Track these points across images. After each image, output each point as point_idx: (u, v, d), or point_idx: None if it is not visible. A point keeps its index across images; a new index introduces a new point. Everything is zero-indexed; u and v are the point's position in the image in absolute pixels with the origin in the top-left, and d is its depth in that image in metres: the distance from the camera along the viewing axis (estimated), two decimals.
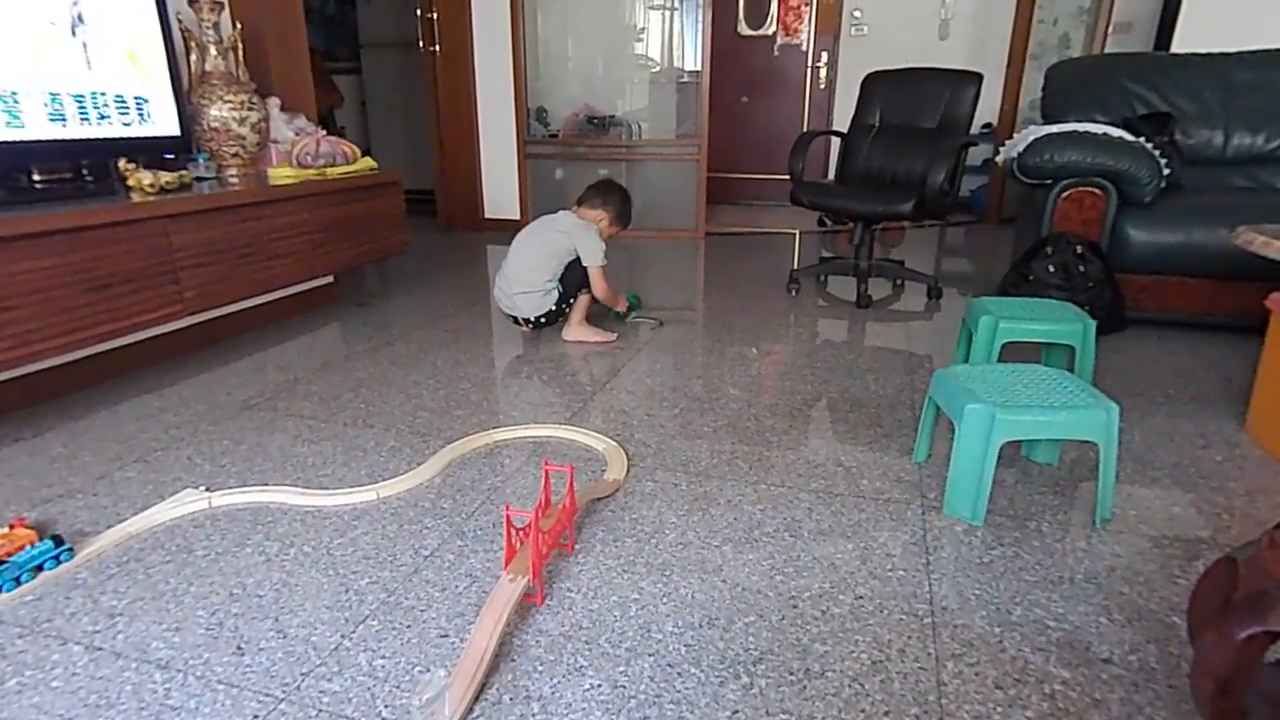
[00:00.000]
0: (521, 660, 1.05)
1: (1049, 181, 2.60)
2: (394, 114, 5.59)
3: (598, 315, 2.62)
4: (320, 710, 0.96)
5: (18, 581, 1.20)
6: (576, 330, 2.51)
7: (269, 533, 1.37)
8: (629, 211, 2.61)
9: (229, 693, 0.99)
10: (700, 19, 4.21)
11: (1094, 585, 1.23)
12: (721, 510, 1.46)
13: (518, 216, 4.54)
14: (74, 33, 1.99)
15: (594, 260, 2.44)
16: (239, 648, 1.08)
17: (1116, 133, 2.62)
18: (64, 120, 1.99)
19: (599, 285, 2.47)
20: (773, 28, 5.52)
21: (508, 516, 1.19)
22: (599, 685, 1.01)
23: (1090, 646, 1.09)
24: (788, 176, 3.13)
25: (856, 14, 5.27)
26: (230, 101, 2.46)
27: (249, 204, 2.28)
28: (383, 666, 1.04)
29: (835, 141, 3.89)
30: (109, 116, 2.11)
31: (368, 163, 2.87)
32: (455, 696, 0.95)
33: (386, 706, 0.97)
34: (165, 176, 2.15)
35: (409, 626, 1.12)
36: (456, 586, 1.22)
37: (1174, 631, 1.12)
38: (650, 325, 2.70)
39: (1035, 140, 2.60)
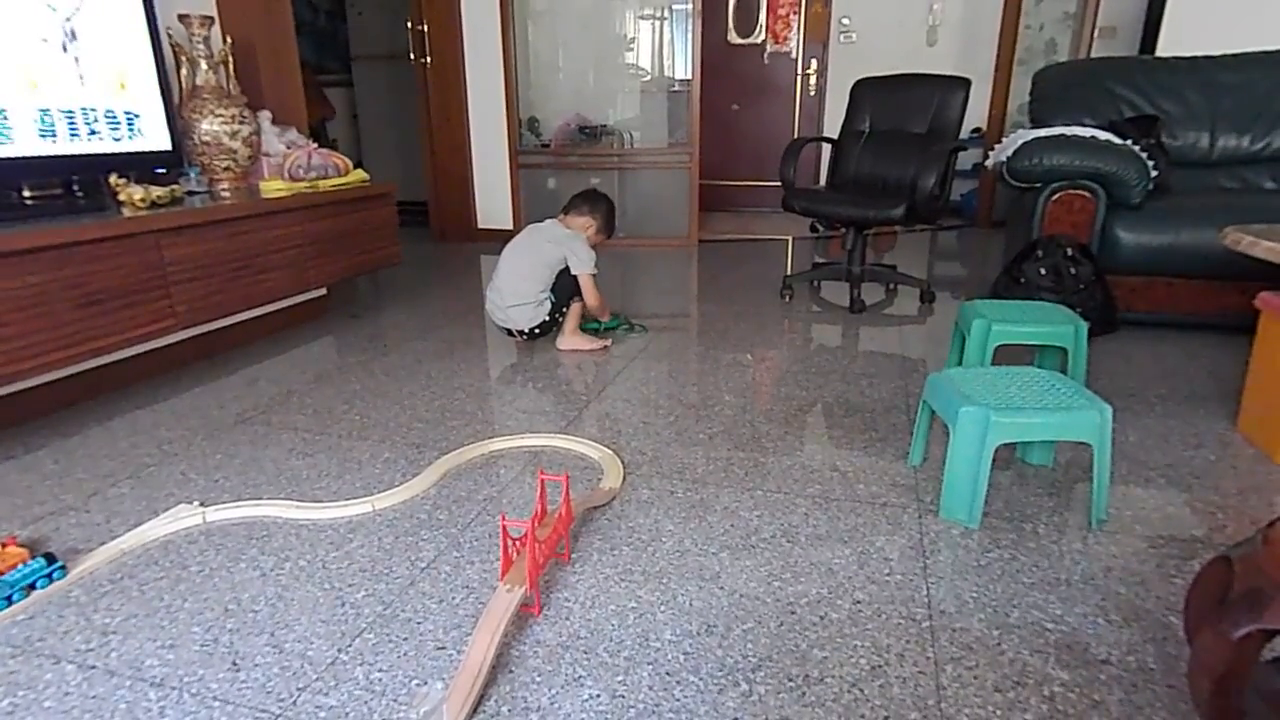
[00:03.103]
0: (519, 671, 1.05)
1: (1038, 185, 2.61)
2: (386, 126, 5.59)
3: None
4: None
5: (10, 600, 1.19)
6: (570, 339, 2.51)
7: (264, 547, 1.36)
8: (614, 220, 2.64)
9: (224, 709, 0.98)
10: (690, 28, 4.24)
11: (1091, 586, 1.23)
12: (718, 517, 1.45)
13: (510, 226, 4.54)
14: (65, 49, 1.99)
15: (585, 268, 2.44)
16: (234, 664, 1.07)
17: (1104, 136, 2.64)
18: (54, 136, 1.98)
19: (590, 293, 2.47)
20: (762, 36, 5.56)
21: (504, 527, 1.19)
22: (598, 695, 1.00)
23: (1088, 647, 1.09)
24: (779, 183, 3.14)
25: (845, 21, 5.31)
26: (221, 115, 2.46)
27: (241, 218, 2.28)
28: (380, 680, 1.03)
29: (826, 148, 3.92)
30: (99, 132, 2.10)
31: (360, 175, 2.87)
32: (453, 709, 0.95)
33: None
34: (156, 191, 2.14)
35: (406, 639, 1.12)
36: (453, 598, 1.21)
37: (1171, 631, 1.12)
38: (636, 332, 2.70)
39: (1024, 144, 2.61)
